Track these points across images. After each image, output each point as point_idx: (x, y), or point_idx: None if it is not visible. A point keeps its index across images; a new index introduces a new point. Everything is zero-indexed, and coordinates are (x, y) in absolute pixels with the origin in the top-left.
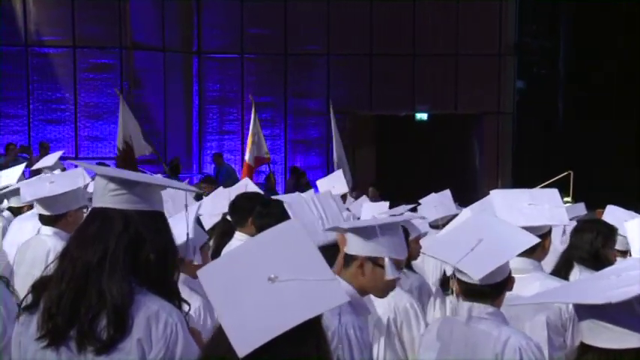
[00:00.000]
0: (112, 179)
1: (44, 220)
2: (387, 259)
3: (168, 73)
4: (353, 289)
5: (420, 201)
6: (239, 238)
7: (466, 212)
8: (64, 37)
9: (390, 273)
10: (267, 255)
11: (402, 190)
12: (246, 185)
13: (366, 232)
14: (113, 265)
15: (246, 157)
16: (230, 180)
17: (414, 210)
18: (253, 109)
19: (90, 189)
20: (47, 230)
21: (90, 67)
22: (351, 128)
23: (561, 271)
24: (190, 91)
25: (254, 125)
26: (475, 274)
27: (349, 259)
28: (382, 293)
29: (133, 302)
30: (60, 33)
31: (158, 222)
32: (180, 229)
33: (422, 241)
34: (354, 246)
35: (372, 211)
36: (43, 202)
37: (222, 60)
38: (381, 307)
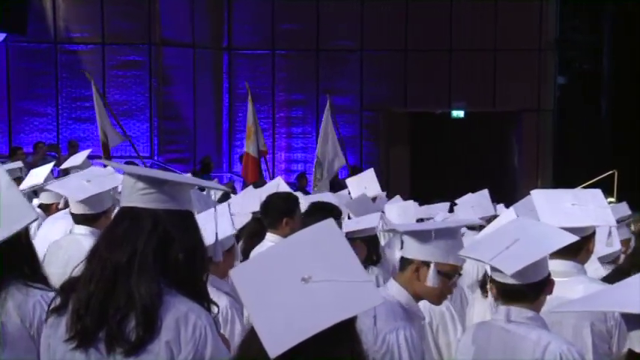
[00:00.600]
0: (140, 178)
1: (79, 219)
2: (432, 265)
3: (198, 70)
4: (407, 293)
5: (457, 201)
6: (271, 239)
7: (510, 212)
8: (92, 33)
9: (431, 281)
10: (301, 255)
11: (438, 190)
12: (278, 185)
13: (422, 236)
14: (142, 265)
15: (249, 149)
16: (207, 167)
17: (450, 210)
18: (250, 99)
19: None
20: (82, 229)
21: (119, 64)
22: (384, 126)
23: (626, 275)
24: (220, 89)
25: (253, 116)
26: (508, 269)
27: (405, 262)
28: (437, 300)
29: (162, 303)
30: (89, 29)
31: (187, 221)
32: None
33: None
34: (411, 249)
35: (398, 211)
36: (86, 200)
37: (253, 56)
38: None
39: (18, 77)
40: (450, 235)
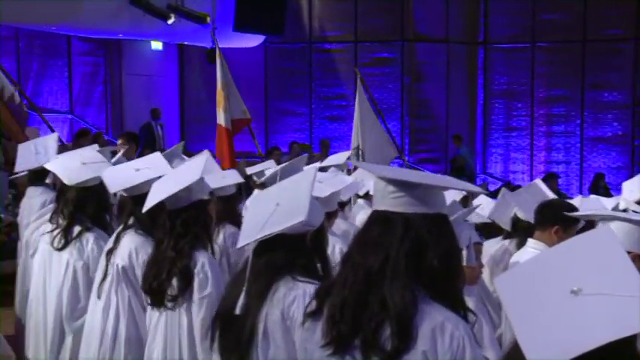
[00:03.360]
0: (390, 181)
1: None
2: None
3: (452, 66)
4: None
5: None
6: (533, 246)
7: None
8: (346, 31)
9: None
10: (571, 264)
11: None
12: (537, 186)
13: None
14: (394, 271)
15: (221, 119)
16: (459, 169)
17: None
18: (218, 54)
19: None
20: None
21: (371, 62)
22: None
23: None
24: (475, 85)
25: (222, 77)
26: None
27: None
28: None
29: (416, 312)
30: (342, 28)
31: (441, 225)
32: None
33: None
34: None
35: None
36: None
37: (510, 50)
38: None
39: (275, 77)
40: None
